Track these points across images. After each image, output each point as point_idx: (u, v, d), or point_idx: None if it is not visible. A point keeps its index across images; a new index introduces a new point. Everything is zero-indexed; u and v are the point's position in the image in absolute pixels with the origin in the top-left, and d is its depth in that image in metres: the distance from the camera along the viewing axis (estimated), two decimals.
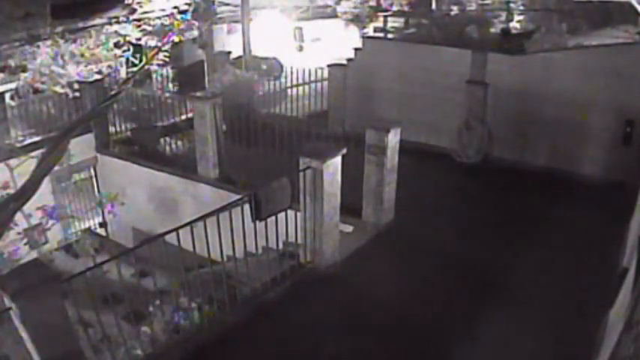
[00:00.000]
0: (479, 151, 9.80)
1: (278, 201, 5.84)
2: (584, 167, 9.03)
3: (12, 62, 12.14)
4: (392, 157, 7.27)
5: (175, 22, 14.03)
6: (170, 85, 14.81)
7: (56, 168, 8.60)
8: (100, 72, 12.63)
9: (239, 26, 14.62)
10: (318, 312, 5.96)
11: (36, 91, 12.11)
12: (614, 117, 8.77)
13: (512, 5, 15.11)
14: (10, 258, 8.66)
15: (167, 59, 14.27)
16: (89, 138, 11.13)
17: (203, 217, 5.30)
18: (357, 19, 18.22)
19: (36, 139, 10.91)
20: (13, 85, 12.25)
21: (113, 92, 10.49)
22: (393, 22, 15.76)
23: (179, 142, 11.20)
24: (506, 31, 11.69)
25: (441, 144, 10.13)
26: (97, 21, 13.56)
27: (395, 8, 17.39)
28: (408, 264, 6.83)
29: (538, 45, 10.81)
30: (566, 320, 5.68)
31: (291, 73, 13.05)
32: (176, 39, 14.22)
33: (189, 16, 14.24)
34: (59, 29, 12.62)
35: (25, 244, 9.34)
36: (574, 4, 13.90)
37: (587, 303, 5.65)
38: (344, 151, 6.38)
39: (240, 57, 14.21)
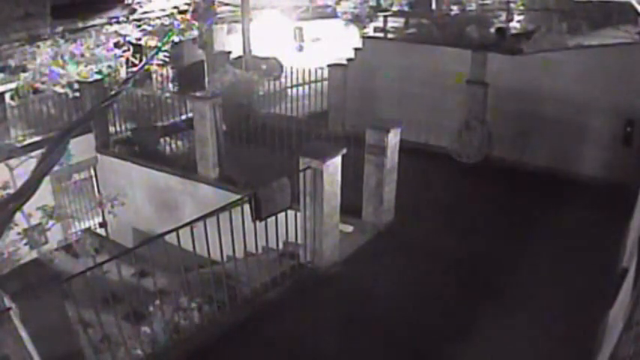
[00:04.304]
0: (479, 151, 9.79)
1: (278, 201, 5.84)
2: (584, 167, 9.03)
3: (12, 62, 12.14)
4: (392, 157, 7.27)
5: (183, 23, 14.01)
6: (170, 85, 14.81)
7: (56, 168, 8.59)
8: (100, 72, 12.63)
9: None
10: (318, 312, 5.96)
11: (36, 91, 12.11)
12: (614, 117, 8.77)
13: (512, 5, 15.12)
14: (10, 258, 8.65)
15: (167, 59, 14.27)
16: (89, 138, 11.14)
17: (203, 217, 5.30)
18: (357, 19, 18.21)
19: (36, 139, 10.91)
20: (13, 85, 12.25)
21: (113, 92, 10.49)
22: (393, 22, 15.77)
23: (179, 142, 11.21)
24: (500, 30, 11.67)
25: (441, 144, 10.13)
26: (97, 21, 13.55)
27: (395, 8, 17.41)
28: (407, 264, 6.83)
29: (538, 45, 10.80)
30: (566, 320, 5.68)
31: (291, 73, 13.05)
32: (176, 39, 14.22)
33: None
34: (59, 29, 12.61)
35: (25, 244, 9.33)
36: (574, 4, 13.90)
37: (587, 303, 5.65)
38: (344, 151, 6.38)
39: (240, 57, 14.21)
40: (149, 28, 14.16)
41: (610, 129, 8.85)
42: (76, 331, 4.77)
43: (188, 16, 14.24)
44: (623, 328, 2.95)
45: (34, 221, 9.59)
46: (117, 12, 13.89)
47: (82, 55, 12.47)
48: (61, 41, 12.43)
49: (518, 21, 15.18)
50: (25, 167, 8.98)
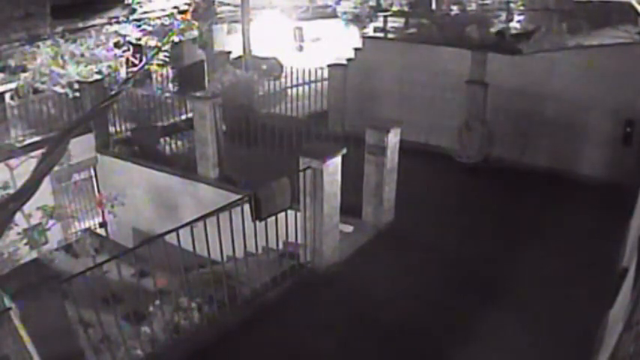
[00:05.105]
0: (479, 152, 9.79)
1: (278, 201, 5.84)
2: (584, 167, 9.03)
3: (12, 62, 12.14)
4: (392, 157, 7.27)
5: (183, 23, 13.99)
6: (170, 85, 14.81)
7: (56, 168, 8.59)
8: (100, 72, 12.63)
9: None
10: (318, 312, 5.96)
11: (36, 91, 12.11)
12: (614, 117, 8.78)
13: (512, 5, 15.11)
14: (10, 258, 8.66)
15: (167, 59, 14.28)
16: (89, 138, 11.14)
17: (203, 217, 5.30)
18: (357, 19, 18.21)
19: (36, 139, 10.91)
20: (13, 85, 12.26)
21: (113, 92, 10.49)
22: (393, 22, 15.76)
23: (179, 142, 11.21)
24: (500, 32, 11.69)
25: (441, 144, 10.13)
26: (97, 21, 13.55)
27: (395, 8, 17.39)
28: (408, 264, 6.83)
29: (538, 45, 10.80)
30: (566, 320, 5.68)
31: (291, 73, 13.05)
32: (176, 39, 14.22)
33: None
34: (59, 29, 12.61)
35: (25, 244, 9.33)
36: (574, 4, 13.88)
37: (587, 303, 5.65)
38: (344, 151, 6.38)
39: (240, 57, 14.21)
40: (149, 28, 14.15)
41: (610, 129, 8.86)
42: (76, 331, 4.77)
43: (188, 15, 14.24)
44: (623, 328, 2.95)
45: (34, 221, 9.60)
46: (117, 12, 13.89)
47: (82, 55, 12.47)
48: (61, 41, 12.43)
49: (518, 21, 15.16)
50: (25, 167, 8.98)
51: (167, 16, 14.42)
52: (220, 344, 5.45)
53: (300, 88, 12.96)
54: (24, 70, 12.07)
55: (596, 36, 11.96)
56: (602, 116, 8.89)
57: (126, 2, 13.95)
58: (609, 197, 7.90)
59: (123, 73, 13.97)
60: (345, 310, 5.99)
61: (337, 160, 6.33)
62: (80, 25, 13.21)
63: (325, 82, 12.15)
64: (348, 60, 11.55)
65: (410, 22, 15.49)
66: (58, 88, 11.83)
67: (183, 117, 11.36)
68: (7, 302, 4.17)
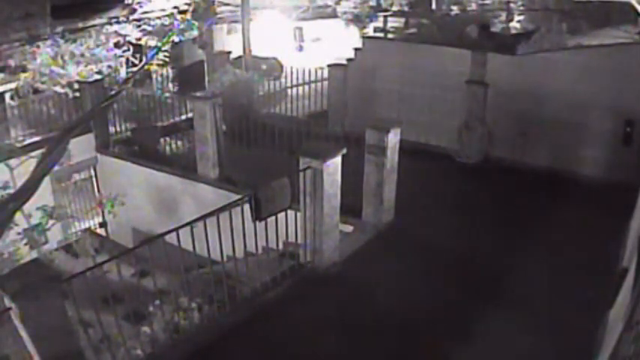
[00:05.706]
0: (479, 151, 9.79)
1: (278, 201, 5.84)
2: (584, 167, 9.03)
3: (12, 62, 12.14)
4: (392, 157, 7.27)
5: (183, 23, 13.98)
6: (170, 85, 14.81)
7: (56, 168, 8.60)
8: (100, 72, 12.63)
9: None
10: (318, 312, 5.96)
11: (36, 91, 12.11)
12: (614, 117, 8.77)
13: (512, 5, 15.12)
14: (10, 258, 8.66)
15: (167, 59, 14.27)
16: (89, 138, 11.14)
17: (203, 217, 5.30)
18: (357, 19, 18.21)
19: (36, 139, 10.91)
20: (13, 85, 12.26)
21: (113, 92, 10.49)
22: (393, 22, 15.78)
23: (179, 142, 11.21)
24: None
25: (441, 144, 10.13)
26: (97, 21, 13.55)
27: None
28: (408, 264, 6.83)
29: (538, 45, 10.80)
30: (566, 320, 5.68)
31: (291, 73, 13.05)
32: (176, 39, 14.22)
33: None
34: (59, 29, 12.62)
35: (25, 244, 9.34)
36: (574, 4, 13.90)
37: (587, 303, 5.65)
38: (344, 151, 6.38)
39: (240, 57, 14.21)
40: (149, 28, 14.15)
41: (610, 129, 8.85)
42: (76, 331, 4.77)
43: (188, 15, 14.25)
44: (623, 328, 2.95)
45: (34, 221, 9.60)
46: (117, 12, 13.89)
47: (82, 55, 12.47)
48: (61, 41, 12.43)
49: (519, 21, 15.18)
50: (25, 167, 8.98)
51: (167, 16, 14.42)
52: (220, 344, 5.45)
53: (300, 88, 12.96)
54: (24, 70, 12.07)
55: (596, 36, 11.97)
56: (602, 116, 8.89)
57: (126, 2, 13.95)
58: (609, 197, 7.89)
59: (123, 73, 13.96)
60: (345, 310, 5.99)
61: (337, 160, 6.33)
62: (80, 25, 13.20)
63: (325, 82, 12.14)
64: (348, 60, 11.55)
65: (410, 22, 15.51)
66: (58, 88, 11.83)
67: (183, 117, 11.36)
68: (7, 302, 4.17)
